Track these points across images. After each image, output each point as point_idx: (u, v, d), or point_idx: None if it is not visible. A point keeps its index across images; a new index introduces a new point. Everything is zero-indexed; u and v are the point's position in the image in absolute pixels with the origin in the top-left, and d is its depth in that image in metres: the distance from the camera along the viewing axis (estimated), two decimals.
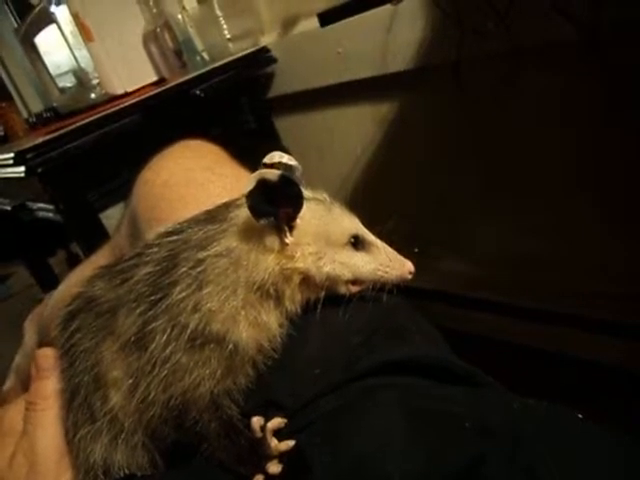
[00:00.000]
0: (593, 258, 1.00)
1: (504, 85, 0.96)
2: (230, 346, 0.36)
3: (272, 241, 0.37)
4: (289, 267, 0.37)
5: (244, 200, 0.37)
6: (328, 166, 1.37)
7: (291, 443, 0.35)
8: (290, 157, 0.41)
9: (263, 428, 0.36)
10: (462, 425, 0.32)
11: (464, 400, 0.35)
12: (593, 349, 1.04)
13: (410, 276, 0.40)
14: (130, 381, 0.37)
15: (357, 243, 0.39)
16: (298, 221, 0.37)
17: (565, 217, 1.01)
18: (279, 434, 0.36)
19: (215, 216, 0.39)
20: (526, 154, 1.01)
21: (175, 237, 0.39)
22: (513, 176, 1.05)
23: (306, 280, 0.38)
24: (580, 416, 0.33)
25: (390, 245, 0.41)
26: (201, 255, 0.37)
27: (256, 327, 0.37)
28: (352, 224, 0.40)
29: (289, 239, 0.37)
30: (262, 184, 0.34)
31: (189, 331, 0.36)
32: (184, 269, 0.36)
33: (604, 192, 0.93)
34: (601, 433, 0.30)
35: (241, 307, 0.37)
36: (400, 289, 0.41)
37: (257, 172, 0.34)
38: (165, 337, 0.36)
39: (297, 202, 0.36)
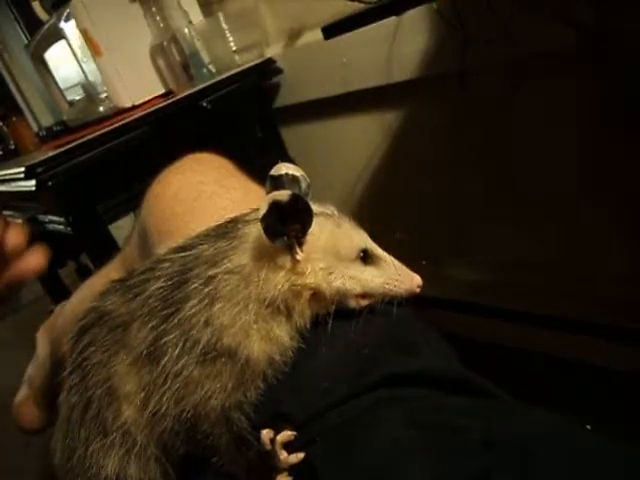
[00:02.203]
0: (600, 262, 0.99)
1: (508, 93, 0.96)
2: (242, 360, 0.37)
3: (283, 259, 0.37)
4: (299, 283, 0.38)
5: (253, 216, 0.38)
6: (334, 175, 1.37)
7: (300, 455, 0.35)
8: (296, 168, 0.41)
9: (273, 441, 0.36)
10: (469, 437, 0.32)
11: (472, 412, 0.35)
12: (599, 354, 1.03)
13: (418, 290, 0.40)
14: (142, 394, 0.37)
15: (366, 257, 0.40)
16: (308, 237, 0.38)
17: (571, 220, 1.01)
18: (289, 447, 0.36)
19: (225, 232, 0.39)
20: (531, 161, 1.01)
21: (186, 253, 0.39)
22: (519, 183, 1.05)
23: (316, 295, 0.39)
24: (588, 427, 0.33)
25: (397, 258, 0.41)
26: (212, 272, 0.37)
27: (268, 341, 0.38)
28: (361, 238, 0.40)
29: (300, 255, 0.37)
30: (274, 206, 0.35)
31: (201, 345, 0.36)
32: (195, 285, 0.37)
33: (608, 196, 0.93)
34: (608, 445, 0.30)
35: (253, 322, 0.37)
36: (408, 300, 0.41)
37: (269, 195, 0.35)
38: (177, 351, 0.36)
39: (307, 219, 0.36)
